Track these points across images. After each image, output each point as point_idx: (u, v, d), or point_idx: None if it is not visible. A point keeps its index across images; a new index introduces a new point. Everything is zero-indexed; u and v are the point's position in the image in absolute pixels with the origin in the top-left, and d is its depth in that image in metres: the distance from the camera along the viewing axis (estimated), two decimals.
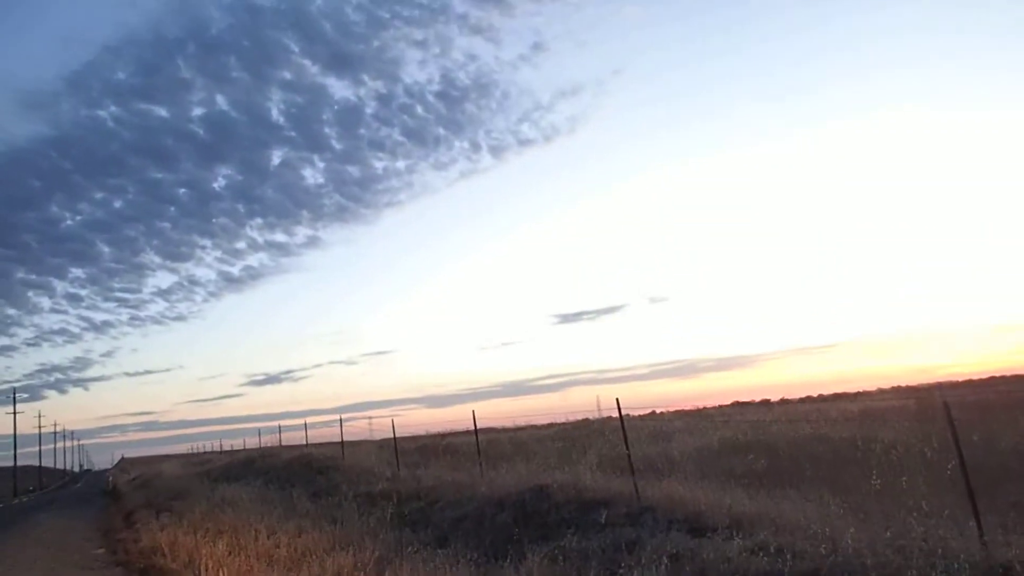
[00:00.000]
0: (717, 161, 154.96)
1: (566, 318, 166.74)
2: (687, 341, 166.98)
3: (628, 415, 13.31)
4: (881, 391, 52.27)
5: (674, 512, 9.94)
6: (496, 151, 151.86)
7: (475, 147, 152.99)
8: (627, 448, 12.08)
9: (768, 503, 9.83)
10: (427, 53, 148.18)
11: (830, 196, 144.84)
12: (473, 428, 19.02)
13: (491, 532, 11.53)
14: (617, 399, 13.29)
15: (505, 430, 37.81)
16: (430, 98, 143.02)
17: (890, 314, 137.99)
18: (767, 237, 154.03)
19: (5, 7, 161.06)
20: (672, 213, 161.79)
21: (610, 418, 22.94)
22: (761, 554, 7.68)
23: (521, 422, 41.40)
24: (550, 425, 43.59)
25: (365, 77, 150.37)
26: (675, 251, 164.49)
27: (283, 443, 39.76)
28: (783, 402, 58.82)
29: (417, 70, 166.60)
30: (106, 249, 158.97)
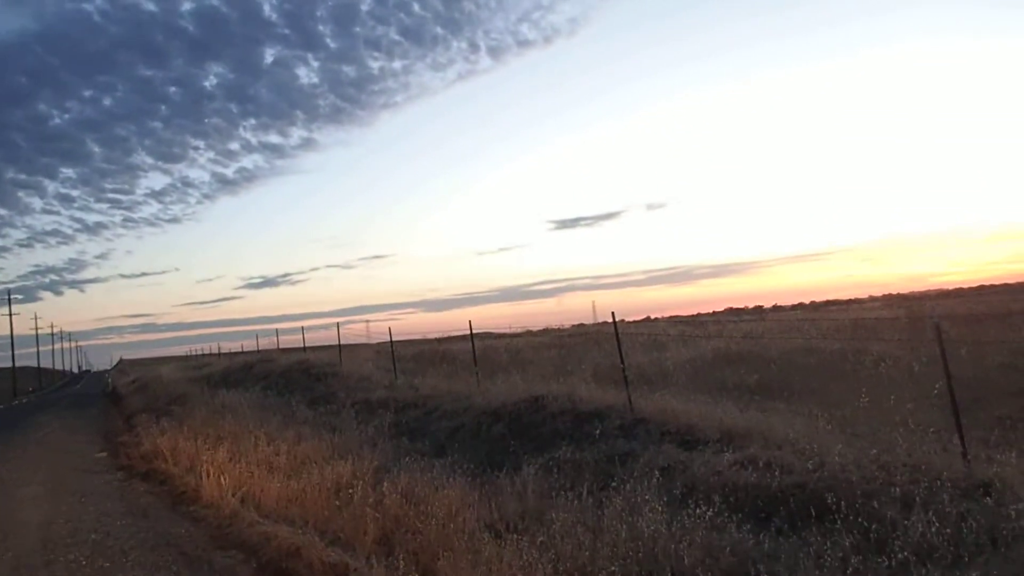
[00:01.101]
0: (716, 68, 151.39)
1: (564, 224, 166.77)
2: (683, 248, 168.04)
3: (623, 320, 13.42)
4: (873, 299, 52.85)
5: (666, 425, 10.14)
6: (495, 52, 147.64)
7: (473, 48, 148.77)
8: (622, 362, 12.21)
9: (758, 417, 10.03)
10: None
11: (824, 102, 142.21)
12: (469, 333, 19.21)
13: (487, 443, 11.80)
14: (613, 313, 13.39)
15: (502, 336, 38.29)
16: None
17: (884, 222, 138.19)
18: (764, 144, 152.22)
19: None
20: (671, 120, 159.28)
21: (605, 323, 23.16)
22: (750, 468, 7.88)
23: (518, 327, 41.86)
24: (546, 331, 44.07)
25: None
26: (674, 158, 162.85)
27: (281, 347, 40.22)
28: (776, 309, 59.57)
29: None
30: (97, 149, 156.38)
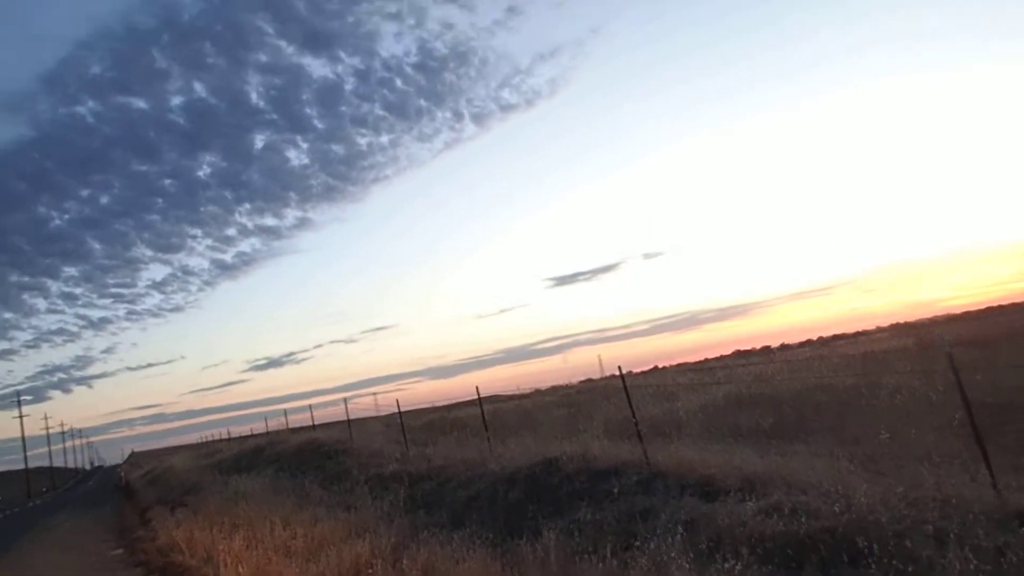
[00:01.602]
0: (700, 112, 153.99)
1: (562, 280, 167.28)
2: (685, 294, 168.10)
3: (630, 372, 13.32)
4: (880, 329, 52.51)
5: (685, 476, 9.95)
6: (479, 119, 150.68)
7: (457, 116, 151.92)
8: (633, 416, 12.07)
9: (778, 461, 9.83)
10: (402, 25, 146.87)
11: (809, 139, 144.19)
12: (477, 398, 19.04)
13: (504, 510, 11.57)
14: (619, 367, 13.29)
15: (510, 397, 37.96)
16: (408, 70, 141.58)
17: (883, 251, 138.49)
18: (755, 185, 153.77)
19: None
20: (659, 169, 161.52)
21: (613, 376, 22.99)
22: (775, 516, 7.69)
23: (526, 388, 41.55)
24: (554, 388, 43.73)
25: (342, 54, 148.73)
26: (666, 206, 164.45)
27: (290, 426, 39.90)
28: (783, 347, 59.22)
29: (393, 43, 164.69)
30: (97, 246, 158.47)
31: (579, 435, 14.41)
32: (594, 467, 11.44)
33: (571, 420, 19.31)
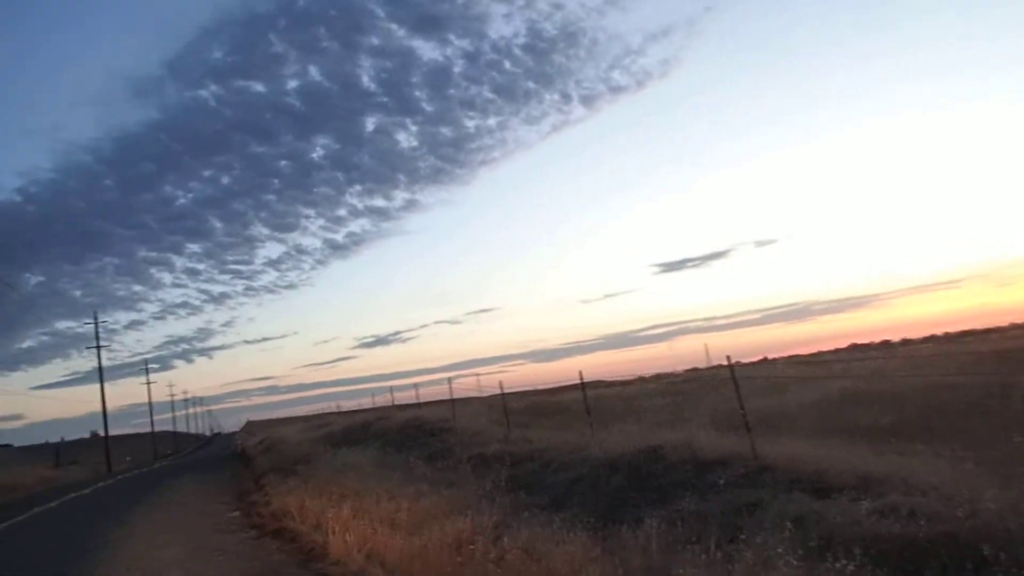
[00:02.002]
0: (820, 93, 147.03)
1: (670, 266, 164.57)
2: (798, 284, 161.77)
3: (738, 362, 12.98)
4: (1015, 326, 48.74)
5: (795, 471, 9.63)
6: (588, 101, 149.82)
7: (566, 98, 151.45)
8: (741, 407, 11.77)
9: (896, 460, 9.36)
10: (512, 6, 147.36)
11: (945, 116, 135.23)
12: (580, 383, 19.05)
13: (606, 495, 11.53)
14: (728, 357, 12.97)
15: (613, 384, 37.78)
16: (517, 52, 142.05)
17: (1020, 242, 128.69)
18: (879, 170, 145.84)
19: (111, 2, 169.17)
20: (775, 153, 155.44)
21: (719, 366, 22.47)
22: (892, 517, 7.33)
23: (628, 375, 41.25)
24: (658, 377, 43.17)
25: (451, 36, 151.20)
26: (781, 191, 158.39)
27: (395, 403, 41.19)
28: (905, 343, 56.00)
29: (503, 24, 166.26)
30: (218, 224, 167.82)
31: (683, 424, 14.19)
32: (699, 457, 11.24)
33: (675, 409, 19.03)
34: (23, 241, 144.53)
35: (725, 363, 13.11)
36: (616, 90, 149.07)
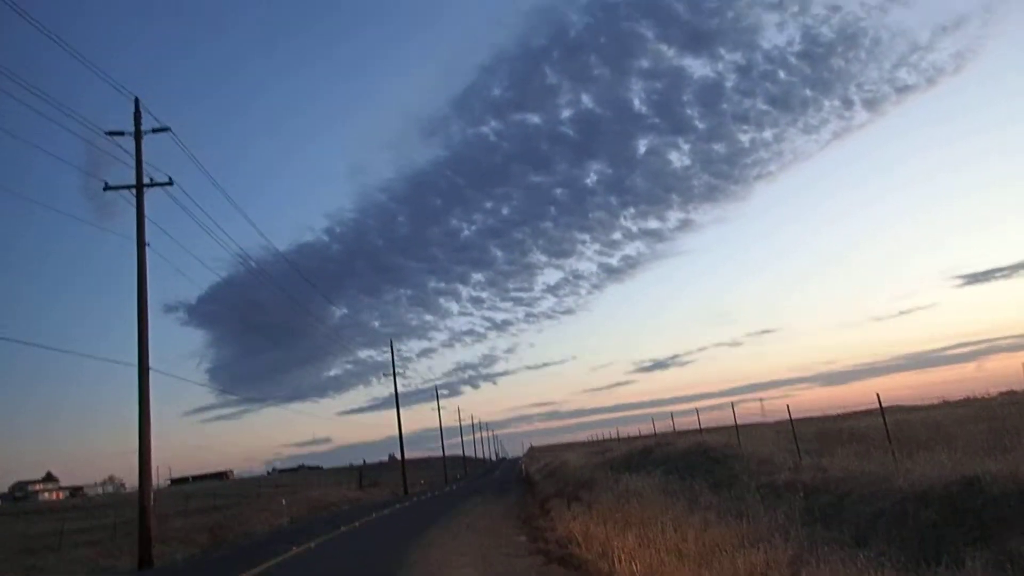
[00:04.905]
0: None
1: (974, 277, 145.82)
2: None
3: None
4: None
5: None
6: (871, 104, 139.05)
7: (847, 103, 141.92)
8: None
9: None
10: (784, 14, 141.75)
11: None
12: (876, 408, 17.50)
13: (915, 531, 10.45)
14: None
15: (913, 408, 34.20)
16: (792, 60, 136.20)
17: None
18: None
19: (400, 48, 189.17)
20: None
21: None
22: None
23: (931, 398, 37.26)
24: (968, 400, 38.54)
25: (722, 51, 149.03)
26: None
27: (676, 428, 40.58)
28: None
29: (776, 34, 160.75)
30: (499, 253, 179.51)
31: (1005, 453, 12.42)
32: None
33: (993, 436, 16.68)
34: (331, 276, 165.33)
35: None
36: (903, 90, 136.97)
